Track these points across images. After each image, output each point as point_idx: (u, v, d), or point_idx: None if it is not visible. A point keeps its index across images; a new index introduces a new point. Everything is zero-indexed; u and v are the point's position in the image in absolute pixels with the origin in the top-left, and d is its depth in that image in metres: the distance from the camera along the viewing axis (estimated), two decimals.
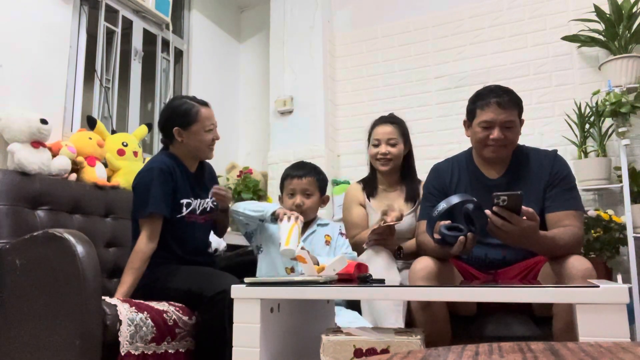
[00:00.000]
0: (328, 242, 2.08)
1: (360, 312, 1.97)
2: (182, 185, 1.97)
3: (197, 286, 1.75)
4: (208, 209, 2.08)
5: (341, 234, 2.16)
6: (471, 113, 1.78)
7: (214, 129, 2.03)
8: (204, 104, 2.03)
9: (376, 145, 2.19)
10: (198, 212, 2.03)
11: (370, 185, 2.25)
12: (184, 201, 1.97)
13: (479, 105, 1.73)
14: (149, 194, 1.87)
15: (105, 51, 2.81)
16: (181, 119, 1.98)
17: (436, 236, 1.57)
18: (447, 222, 1.56)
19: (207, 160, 2.16)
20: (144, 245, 1.84)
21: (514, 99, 1.72)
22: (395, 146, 2.17)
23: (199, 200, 2.04)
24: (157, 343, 1.58)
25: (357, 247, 2.08)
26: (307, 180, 2.07)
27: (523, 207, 1.46)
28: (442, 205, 1.51)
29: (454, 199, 1.51)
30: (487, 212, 1.46)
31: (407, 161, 2.24)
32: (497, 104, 1.69)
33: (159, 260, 1.91)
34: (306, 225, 2.11)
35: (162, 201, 1.88)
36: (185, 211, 1.97)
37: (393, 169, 2.21)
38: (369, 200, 2.23)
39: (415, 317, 1.67)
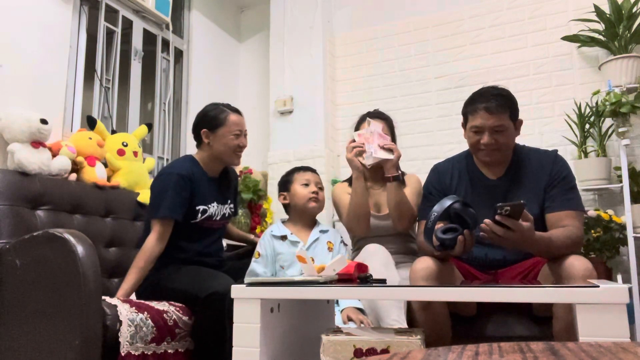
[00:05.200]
0: (330, 248, 2.09)
1: None
2: (201, 191, 1.99)
3: (193, 287, 1.77)
4: (227, 214, 2.11)
5: (343, 242, 2.16)
6: (464, 117, 1.79)
7: (241, 135, 2.05)
8: (236, 111, 2.09)
9: None
10: (218, 217, 2.06)
11: None
12: (200, 208, 1.98)
13: (469, 110, 1.74)
14: (164, 197, 1.89)
15: (105, 51, 2.81)
16: (210, 121, 2.04)
17: (435, 242, 1.57)
18: (440, 225, 1.56)
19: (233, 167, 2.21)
20: (152, 245, 1.86)
21: (503, 102, 1.69)
22: None
23: (220, 206, 2.07)
24: (157, 343, 1.58)
25: (351, 223, 2.10)
26: (318, 176, 2.23)
27: None
28: (434, 214, 1.52)
29: (446, 202, 1.52)
30: (488, 221, 1.46)
31: None
32: (485, 109, 1.67)
33: (167, 260, 1.92)
34: (308, 230, 2.12)
35: (176, 206, 1.90)
36: (200, 217, 1.98)
37: (379, 165, 2.18)
38: None
39: (416, 317, 1.67)
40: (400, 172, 2.03)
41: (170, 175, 1.94)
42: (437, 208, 1.52)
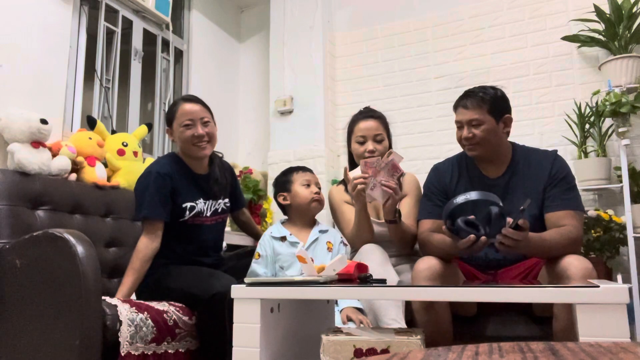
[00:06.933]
0: (330, 248, 2.09)
1: None
2: (185, 189, 1.97)
3: (194, 288, 1.76)
4: (220, 210, 2.08)
5: (343, 243, 2.16)
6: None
7: (193, 125, 1.94)
8: (188, 99, 2.01)
9: (362, 143, 2.06)
10: (208, 213, 2.03)
11: None
12: (187, 205, 1.96)
13: (454, 109, 1.84)
14: (145, 197, 1.89)
15: (105, 51, 2.80)
16: (167, 118, 2.04)
17: (449, 225, 1.58)
18: (471, 217, 1.56)
19: (228, 162, 2.21)
20: (143, 246, 1.86)
21: (480, 98, 1.75)
22: (381, 142, 2.07)
23: (209, 201, 2.04)
24: (157, 343, 1.58)
25: (355, 243, 2.04)
26: (315, 176, 2.21)
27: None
28: (463, 198, 1.53)
29: (474, 195, 1.53)
30: (509, 230, 1.48)
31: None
32: (462, 106, 1.79)
33: (163, 261, 1.92)
34: (308, 230, 2.12)
35: (157, 205, 1.89)
36: (188, 215, 1.97)
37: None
38: None
39: (418, 317, 1.67)
40: (398, 215, 1.91)
41: (149, 174, 1.93)
42: (474, 196, 1.53)
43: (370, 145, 2.04)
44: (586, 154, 2.69)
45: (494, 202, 1.52)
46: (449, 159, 1.95)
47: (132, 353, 1.49)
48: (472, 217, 1.56)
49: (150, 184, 1.90)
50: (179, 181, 1.96)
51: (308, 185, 2.13)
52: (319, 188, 2.16)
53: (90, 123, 2.44)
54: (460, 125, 1.80)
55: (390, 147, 2.13)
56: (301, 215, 2.13)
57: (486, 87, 1.81)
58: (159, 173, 1.92)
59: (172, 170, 1.96)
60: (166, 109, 3.21)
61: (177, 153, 2.07)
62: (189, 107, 1.97)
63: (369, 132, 2.06)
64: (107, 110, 2.77)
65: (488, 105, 1.75)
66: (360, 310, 1.91)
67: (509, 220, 1.51)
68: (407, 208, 2.05)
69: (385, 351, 1.30)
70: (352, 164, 2.15)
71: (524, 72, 3.02)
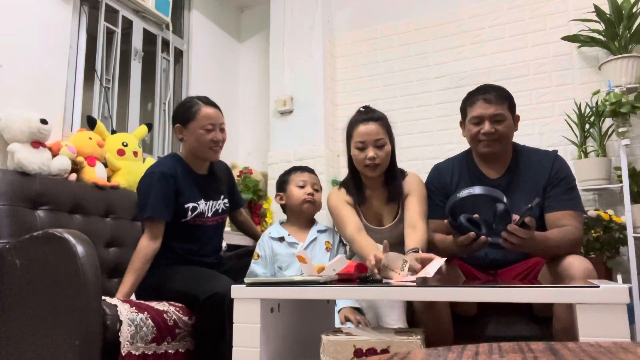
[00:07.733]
0: (328, 248, 2.09)
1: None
2: (187, 189, 1.97)
3: (192, 288, 1.76)
4: (220, 210, 2.09)
5: (342, 242, 2.15)
6: (463, 112, 1.83)
7: (213, 130, 1.97)
8: (209, 103, 2.01)
9: (362, 149, 1.88)
10: (210, 214, 2.04)
11: (357, 191, 1.97)
12: (189, 205, 1.97)
13: (468, 103, 1.80)
14: (149, 198, 1.89)
15: (105, 51, 2.80)
16: (181, 116, 2.01)
17: (451, 221, 1.58)
18: (475, 215, 1.56)
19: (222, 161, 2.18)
20: (144, 246, 1.86)
21: (501, 94, 1.75)
22: (382, 148, 1.88)
23: (210, 202, 2.04)
24: (157, 343, 1.58)
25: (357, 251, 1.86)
26: (315, 176, 2.19)
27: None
28: (466, 192, 1.53)
29: (477, 190, 1.52)
30: (516, 227, 1.47)
31: (390, 158, 1.94)
32: (483, 100, 1.74)
33: (163, 261, 1.92)
34: (306, 230, 2.12)
35: (161, 205, 1.89)
36: (190, 215, 1.97)
37: (380, 177, 1.96)
38: (359, 206, 1.99)
39: (419, 317, 1.67)
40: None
41: (153, 174, 1.93)
42: (478, 190, 1.52)
43: (370, 152, 1.87)
44: (586, 154, 2.69)
45: (497, 198, 1.52)
46: (449, 159, 1.95)
47: (133, 353, 1.49)
48: (475, 215, 1.56)
49: (154, 184, 1.90)
50: (181, 182, 1.96)
51: (303, 186, 2.12)
52: (317, 189, 2.14)
53: (90, 123, 2.44)
54: (478, 120, 1.74)
55: (393, 149, 1.95)
56: (297, 216, 2.13)
57: (492, 84, 1.81)
58: (162, 173, 1.92)
59: (175, 170, 1.96)
60: (166, 109, 3.21)
61: (179, 153, 2.07)
62: (211, 111, 1.99)
63: (369, 137, 1.87)
64: (107, 110, 2.77)
65: (508, 101, 1.75)
66: (358, 310, 1.91)
67: (515, 217, 1.50)
68: (414, 207, 1.88)
69: (385, 351, 1.30)
70: (352, 168, 1.99)
71: (524, 72, 3.01)
